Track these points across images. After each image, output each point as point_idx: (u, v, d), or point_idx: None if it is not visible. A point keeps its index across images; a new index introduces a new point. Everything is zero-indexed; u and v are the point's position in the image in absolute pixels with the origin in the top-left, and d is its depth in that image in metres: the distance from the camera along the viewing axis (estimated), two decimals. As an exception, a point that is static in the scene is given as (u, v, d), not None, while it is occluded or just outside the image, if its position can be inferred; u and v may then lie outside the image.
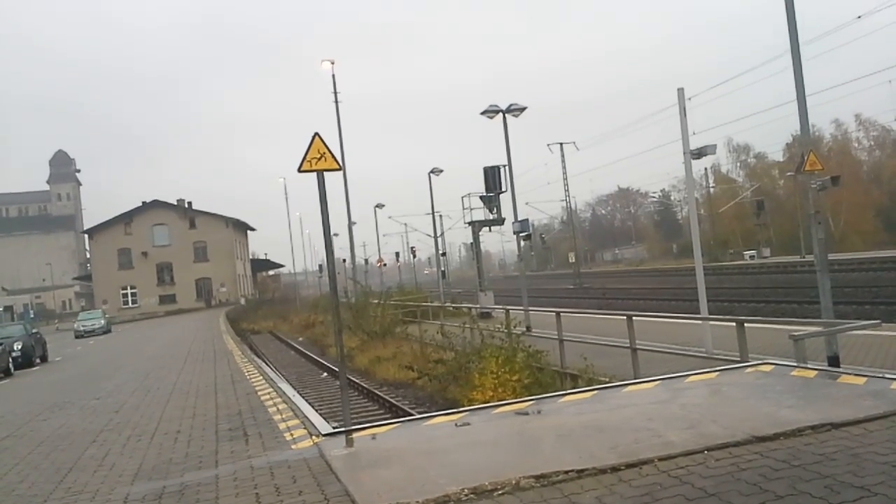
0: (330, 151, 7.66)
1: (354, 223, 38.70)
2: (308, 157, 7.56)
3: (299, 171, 7.64)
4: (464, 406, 10.22)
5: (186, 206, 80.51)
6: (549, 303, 37.05)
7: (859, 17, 30.06)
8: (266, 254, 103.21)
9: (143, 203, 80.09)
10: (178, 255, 77.97)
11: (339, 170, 7.71)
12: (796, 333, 8.55)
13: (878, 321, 9.86)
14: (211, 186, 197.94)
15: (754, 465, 4.88)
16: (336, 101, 35.30)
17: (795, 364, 8.20)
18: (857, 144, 76.09)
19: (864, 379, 7.28)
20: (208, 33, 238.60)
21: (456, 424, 7.31)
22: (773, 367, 8.46)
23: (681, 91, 14.91)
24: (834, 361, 10.93)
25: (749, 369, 8.55)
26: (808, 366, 8.10)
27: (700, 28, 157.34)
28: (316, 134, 7.68)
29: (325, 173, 7.69)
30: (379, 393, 17.75)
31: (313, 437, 7.49)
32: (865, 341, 12.74)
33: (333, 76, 35.60)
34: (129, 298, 77.36)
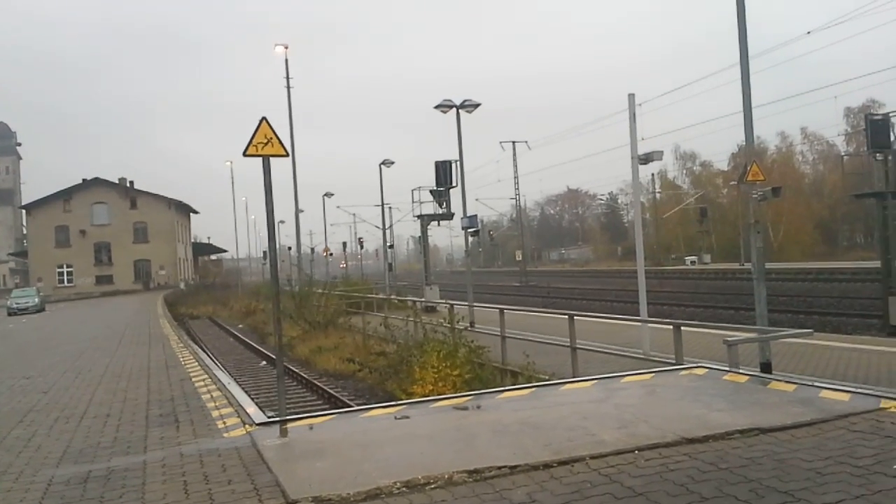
0: (277, 137, 7.56)
1: (302, 211, 38.31)
2: (254, 142, 7.44)
3: (244, 154, 7.52)
4: (403, 399, 10.20)
5: (128, 185, 78.52)
6: (494, 299, 37.25)
7: (808, 32, 30.90)
8: (209, 238, 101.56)
9: (84, 181, 77.74)
10: (118, 235, 75.99)
11: (287, 156, 7.60)
12: (730, 338, 8.74)
13: (809, 330, 10.13)
14: (156, 171, 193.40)
15: (683, 466, 4.97)
16: (288, 87, 34.85)
17: (728, 368, 8.38)
18: (801, 157, 78.44)
19: (794, 386, 7.48)
20: (147, 25, 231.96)
21: (395, 417, 7.29)
22: (706, 370, 8.63)
23: (631, 96, 15.09)
24: (766, 368, 11.23)
25: (683, 372, 8.71)
26: (741, 371, 8.29)
27: (660, 49, 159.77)
28: (263, 118, 7.57)
29: (271, 159, 7.59)
30: (318, 383, 17.61)
31: (246, 426, 7.36)
32: (798, 350, 13.12)
33: (286, 60, 35.13)
34: (65, 277, 75.14)
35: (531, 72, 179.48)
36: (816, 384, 7.59)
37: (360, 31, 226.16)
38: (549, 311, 24.11)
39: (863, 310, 24.94)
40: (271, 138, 7.48)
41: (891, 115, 21.91)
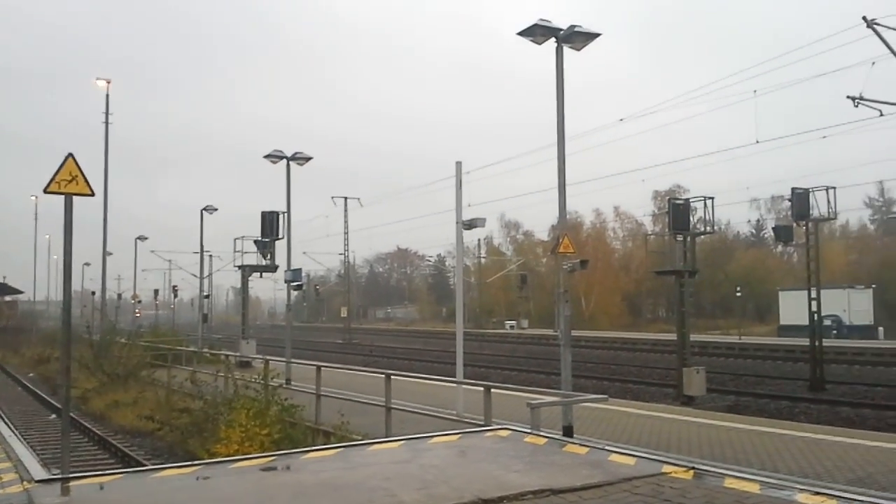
0: (83, 175, 7.14)
1: (111, 254, 35.83)
2: (57, 178, 7.01)
3: (45, 191, 7.06)
4: (204, 459, 9.68)
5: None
6: (315, 356, 36.58)
7: (622, 119, 33.66)
8: (4, 277, 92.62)
9: None
10: None
11: (91, 195, 7.17)
12: (533, 402, 9.08)
13: (604, 396, 10.78)
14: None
15: (475, 527, 5.04)
16: (106, 123, 33.01)
17: (530, 431, 8.68)
18: (612, 234, 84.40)
19: (587, 449, 7.86)
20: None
21: (197, 478, 6.91)
22: (510, 432, 8.89)
23: (458, 164, 15.66)
24: (568, 431, 11.77)
25: (489, 434, 8.92)
26: (541, 433, 8.60)
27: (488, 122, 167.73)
28: (70, 155, 7.15)
29: (75, 198, 7.15)
30: (112, 441, 16.34)
31: (24, 483, 6.71)
32: (599, 415, 13.87)
33: (107, 96, 33.34)
34: None
35: (365, 134, 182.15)
36: (608, 448, 8.02)
37: (188, 75, 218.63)
38: (368, 369, 23.99)
39: (661, 379, 26.88)
40: (76, 176, 7.06)
41: (691, 200, 24.16)
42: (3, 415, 18.04)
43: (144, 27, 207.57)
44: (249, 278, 30.16)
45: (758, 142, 24.67)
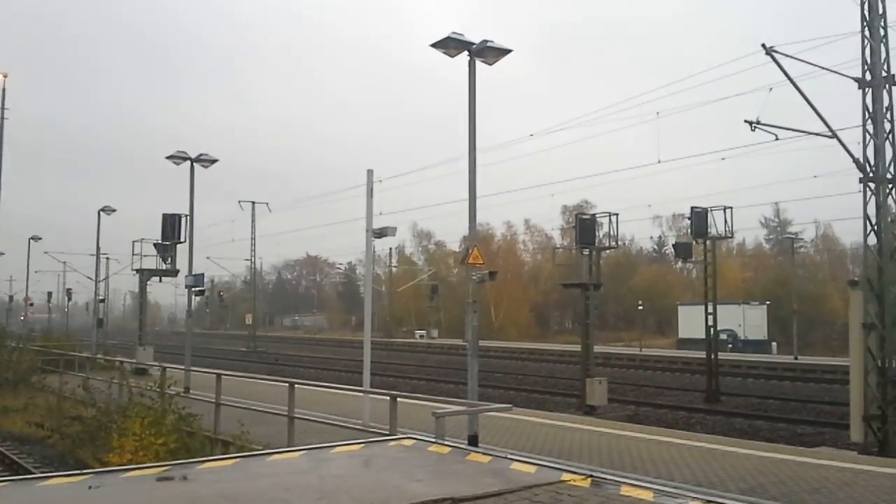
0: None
1: (2, 253, 34.00)
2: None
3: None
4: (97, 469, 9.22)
5: None
6: (218, 364, 35.63)
7: (532, 135, 34.25)
8: None
9: None
10: None
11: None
12: (438, 411, 9.07)
13: (509, 405, 10.89)
14: None
15: (374, 538, 4.96)
16: (1, 118, 31.27)
17: (435, 440, 8.66)
18: (523, 246, 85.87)
19: (490, 458, 7.89)
20: None
21: (89, 487, 6.56)
22: (414, 441, 8.84)
23: (370, 172, 15.56)
24: (473, 440, 11.81)
25: (393, 443, 8.85)
26: (445, 442, 8.59)
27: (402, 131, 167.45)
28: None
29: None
30: (-1, 448, 15.46)
31: None
32: (505, 424, 14.01)
33: (3, 90, 31.63)
34: None
35: (278, 141, 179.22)
36: (510, 456, 8.08)
37: (80, 66, 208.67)
38: (271, 378, 23.50)
39: (565, 389, 27.44)
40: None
41: (597, 216, 24.82)
42: None
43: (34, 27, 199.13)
44: (148, 283, 29.11)
45: (660, 161, 25.62)
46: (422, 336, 68.91)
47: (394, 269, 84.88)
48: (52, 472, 11.69)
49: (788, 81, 15.33)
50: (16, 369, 23.97)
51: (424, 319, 76.19)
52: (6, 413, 19.36)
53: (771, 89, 16.47)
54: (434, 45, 13.34)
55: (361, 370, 15.05)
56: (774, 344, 52.80)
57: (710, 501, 6.08)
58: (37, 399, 20.05)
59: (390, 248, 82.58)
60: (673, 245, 38.23)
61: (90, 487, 6.58)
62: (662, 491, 6.47)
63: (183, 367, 19.78)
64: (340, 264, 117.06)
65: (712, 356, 25.86)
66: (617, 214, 24.24)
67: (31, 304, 56.22)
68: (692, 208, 26.62)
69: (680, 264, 75.00)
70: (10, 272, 70.43)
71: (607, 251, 26.52)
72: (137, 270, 28.67)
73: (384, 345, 55.65)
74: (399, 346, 59.48)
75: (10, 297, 63.15)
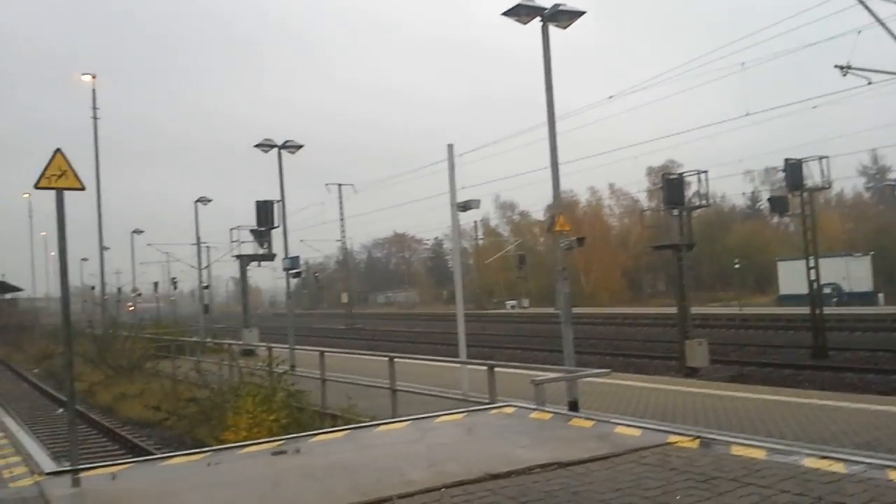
0: (72, 169, 7.14)
1: (108, 248, 35.91)
2: (47, 174, 7.00)
3: (36, 187, 7.07)
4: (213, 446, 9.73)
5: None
6: (318, 342, 36.65)
7: (611, 97, 33.51)
8: (3, 275, 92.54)
9: None
10: None
11: (82, 189, 7.17)
12: (537, 378, 9.13)
13: (608, 370, 10.83)
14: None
15: (486, 501, 5.09)
16: (94, 118, 32.93)
17: (535, 407, 8.73)
18: (609, 211, 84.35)
19: (593, 422, 7.91)
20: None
21: (207, 464, 6.96)
22: (515, 409, 8.95)
23: (450, 147, 15.62)
24: (573, 406, 11.81)
25: (494, 411, 8.98)
26: (546, 409, 8.66)
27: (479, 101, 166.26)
28: (58, 150, 7.16)
29: (66, 192, 7.15)
30: (120, 432, 16.42)
31: (35, 476, 6.77)
32: (604, 389, 13.93)
33: (94, 91, 33.25)
34: None
35: (358, 118, 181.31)
36: (613, 420, 8.08)
37: (171, 65, 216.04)
38: (371, 353, 24.09)
39: (663, 352, 26.95)
40: (66, 170, 7.05)
41: (685, 175, 24.14)
42: (11, 411, 18.10)
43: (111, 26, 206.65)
44: (248, 267, 30.20)
45: (748, 114, 24.59)
46: (513, 306, 68.93)
47: (480, 242, 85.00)
48: (172, 452, 12.40)
49: (878, 23, 14.45)
50: (130, 357, 25.36)
51: (514, 290, 76.07)
52: (124, 399, 20.49)
53: (859, 32, 15.59)
54: (505, 14, 13.21)
55: (455, 342, 15.24)
56: (881, 295, 50.35)
57: (824, 457, 5.93)
58: (152, 384, 21.18)
59: (475, 222, 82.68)
60: (768, 200, 36.77)
61: (209, 464, 6.98)
62: (775, 449, 6.35)
63: (287, 346, 20.49)
64: (427, 240, 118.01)
65: (817, 311, 24.91)
66: (706, 172, 23.51)
67: (140, 295, 59.16)
68: (786, 160, 25.51)
69: (776, 219, 72.24)
70: (116, 266, 74.30)
71: (698, 210, 25.76)
72: (237, 256, 29.82)
73: (476, 316, 55.99)
74: (491, 317, 59.72)
75: (119, 290, 66.60)
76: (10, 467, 7.29)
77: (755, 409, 11.67)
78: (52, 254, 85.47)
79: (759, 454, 6.13)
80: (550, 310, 58.93)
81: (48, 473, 6.86)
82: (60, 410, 21.29)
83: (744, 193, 79.42)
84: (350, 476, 6.00)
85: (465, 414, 9.00)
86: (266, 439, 9.07)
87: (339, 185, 65.12)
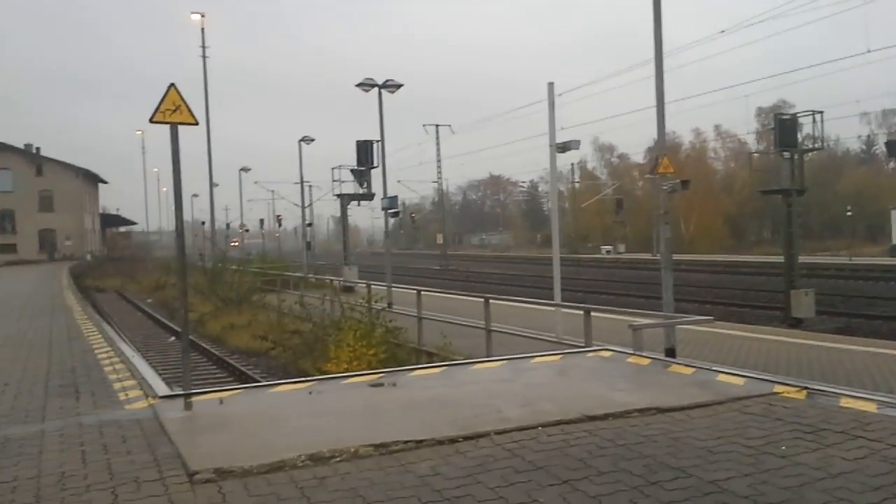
0: (186, 104, 7.37)
1: (217, 185, 37.44)
2: (161, 109, 7.25)
3: (151, 121, 7.33)
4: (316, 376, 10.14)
5: (34, 151, 74.85)
6: (414, 281, 37.26)
7: (722, 31, 31.92)
8: (118, 209, 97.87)
9: (-15, 145, 73.63)
10: (22, 202, 72.26)
11: (195, 124, 7.41)
12: (635, 324, 9.02)
13: (710, 317, 10.56)
14: (64, 140, 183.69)
15: (582, 441, 5.12)
16: (203, 56, 33.91)
17: (633, 352, 8.65)
18: (713, 154, 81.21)
19: (693, 370, 7.78)
20: None
21: (309, 392, 7.27)
22: (612, 353, 8.89)
23: (551, 85, 15.28)
24: (671, 353, 11.65)
25: (590, 354, 8.96)
26: (644, 354, 8.57)
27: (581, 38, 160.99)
28: (171, 85, 7.37)
29: (180, 127, 7.40)
30: (229, 360, 17.30)
31: (149, 399, 7.20)
32: (703, 337, 13.65)
33: (203, 29, 34.16)
34: (-36, 246, 71.12)
35: (455, 59, 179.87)
36: (714, 368, 7.92)
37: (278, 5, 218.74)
38: (467, 293, 24.35)
39: (766, 302, 26.08)
40: (179, 105, 7.28)
41: (798, 115, 22.87)
42: (126, 337, 19.33)
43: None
44: (348, 207, 30.86)
45: (869, 51, 22.96)
46: (608, 251, 67.94)
47: (576, 185, 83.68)
48: (277, 380, 13.00)
49: None
50: (238, 290, 26.54)
51: (610, 235, 74.88)
52: (232, 329, 21.50)
53: None
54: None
55: (549, 286, 15.17)
56: None
57: (942, 414, 5.66)
58: (258, 316, 22.13)
59: (572, 164, 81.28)
60: (885, 143, 34.57)
61: (310, 393, 7.28)
62: (886, 403, 6.10)
63: (385, 284, 20.94)
64: (523, 182, 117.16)
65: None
66: (821, 112, 22.19)
67: (247, 231, 61.49)
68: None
69: (893, 165, 67.87)
70: (224, 202, 77.36)
71: (810, 154, 24.43)
72: (338, 195, 30.52)
73: (570, 261, 55.52)
74: (586, 261, 59.06)
75: (227, 225, 69.34)
76: (126, 391, 7.75)
77: (863, 362, 11.21)
78: (165, 189, 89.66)
79: (870, 407, 5.91)
80: (646, 255, 57.79)
81: (162, 397, 7.24)
82: (172, 338, 22.59)
83: (859, 137, 74.93)
84: (448, 410, 6.14)
85: (560, 356, 9.01)
86: (365, 372, 9.38)
87: (437, 126, 65.23)
